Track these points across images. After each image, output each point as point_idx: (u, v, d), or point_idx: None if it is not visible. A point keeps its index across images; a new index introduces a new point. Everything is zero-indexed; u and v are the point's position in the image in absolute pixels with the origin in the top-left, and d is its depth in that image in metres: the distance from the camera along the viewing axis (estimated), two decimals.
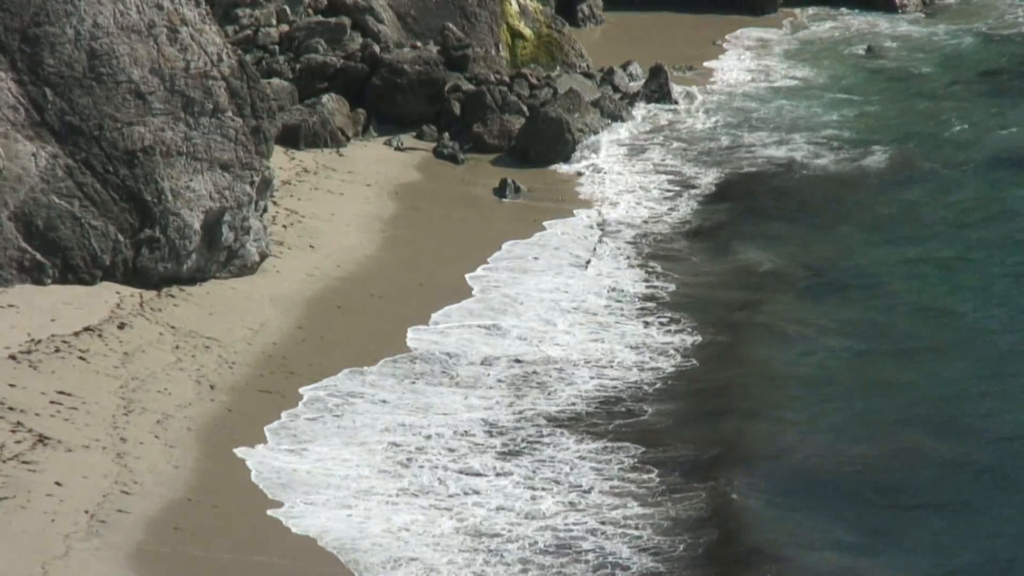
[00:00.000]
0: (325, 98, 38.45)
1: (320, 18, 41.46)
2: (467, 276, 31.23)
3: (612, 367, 27.45)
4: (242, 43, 39.43)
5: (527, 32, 44.83)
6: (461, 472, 23.60)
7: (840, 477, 23.92)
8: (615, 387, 26.68)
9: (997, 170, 38.88)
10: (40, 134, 28.06)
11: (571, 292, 30.78)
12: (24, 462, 21.90)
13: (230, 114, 29.63)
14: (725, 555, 21.70)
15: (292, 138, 37.15)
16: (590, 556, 21.53)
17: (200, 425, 24.19)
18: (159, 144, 28.80)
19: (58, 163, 28.08)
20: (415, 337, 28.21)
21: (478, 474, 23.59)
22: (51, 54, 28.31)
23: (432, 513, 22.42)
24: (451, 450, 24.32)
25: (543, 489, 23.21)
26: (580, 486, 23.37)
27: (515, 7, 44.81)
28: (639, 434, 24.96)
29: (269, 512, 22.16)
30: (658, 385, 26.77)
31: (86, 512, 21.08)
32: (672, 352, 28.14)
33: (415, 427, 24.88)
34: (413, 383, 26.44)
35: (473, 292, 30.49)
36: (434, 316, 29.06)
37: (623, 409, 25.87)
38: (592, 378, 27.01)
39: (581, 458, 24.24)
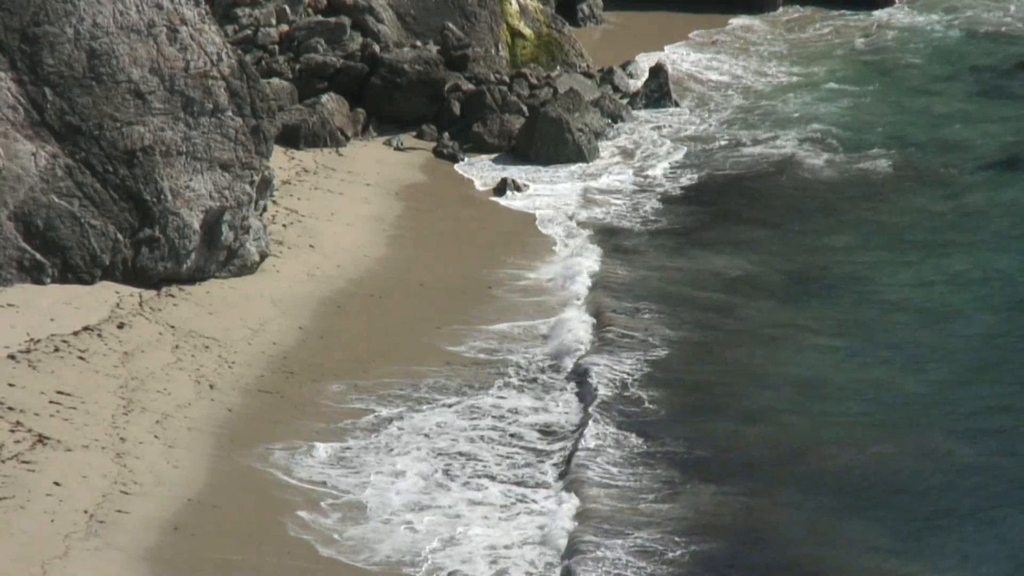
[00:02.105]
0: (325, 98, 38.45)
1: (320, 18, 41.45)
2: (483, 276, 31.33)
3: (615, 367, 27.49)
4: (242, 43, 39.41)
5: (527, 32, 44.82)
6: (518, 483, 23.50)
7: (858, 480, 23.78)
8: (627, 388, 26.69)
9: (992, 169, 38.91)
10: (40, 134, 28.03)
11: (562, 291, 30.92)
12: (24, 462, 21.86)
13: (230, 114, 29.60)
14: (753, 560, 21.66)
15: (292, 138, 37.16)
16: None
17: (200, 425, 24.15)
18: (159, 144, 28.77)
19: (58, 163, 28.05)
20: (461, 340, 28.22)
21: (542, 485, 23.47)
22: (51, 54, 28.28)
23: (494, 523, 22.37)
24: (506, 457, 24.24)
25: (607, 497, 23.13)
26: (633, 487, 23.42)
27: (515, 7, 44.80)
28: (649, 436, 24.89)
29: (290, 515, 22.13)
30: (660, 386, 26.73)
31: (86, 512, 21.04)
32: (676, 351, 28.17)
33: (464, 432, 24.87)
34: (469, 390, 26.37)
35: (492, 291, 30.54)
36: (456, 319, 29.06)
37: (636, 411, 25.89)
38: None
39: (628, 458, 24.26)
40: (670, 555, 21.46)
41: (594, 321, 29.26)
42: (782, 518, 22.66)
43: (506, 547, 21.65)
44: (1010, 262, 32.60)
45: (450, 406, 25.67)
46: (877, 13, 55.03)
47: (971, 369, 27.62)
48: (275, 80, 38.49)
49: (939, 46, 51.42)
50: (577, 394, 26.47)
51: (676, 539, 21.84)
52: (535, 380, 26.89)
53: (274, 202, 32.25)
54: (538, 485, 23.35)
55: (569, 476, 23.53)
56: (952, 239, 34.14)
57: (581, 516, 22.45)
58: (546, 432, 25.11)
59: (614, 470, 23.81)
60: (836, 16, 54.69)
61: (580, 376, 27.03)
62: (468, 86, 40.44)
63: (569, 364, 27.50)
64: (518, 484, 23.39)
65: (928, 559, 21.68)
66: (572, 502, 22.73)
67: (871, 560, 21.69)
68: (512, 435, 24.88)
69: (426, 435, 24.61)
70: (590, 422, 25.19)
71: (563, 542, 21.75)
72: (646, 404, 25.95)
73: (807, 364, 27.84)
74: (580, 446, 24.39)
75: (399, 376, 26.60)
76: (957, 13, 55.18)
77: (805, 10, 55.17)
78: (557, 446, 24.62)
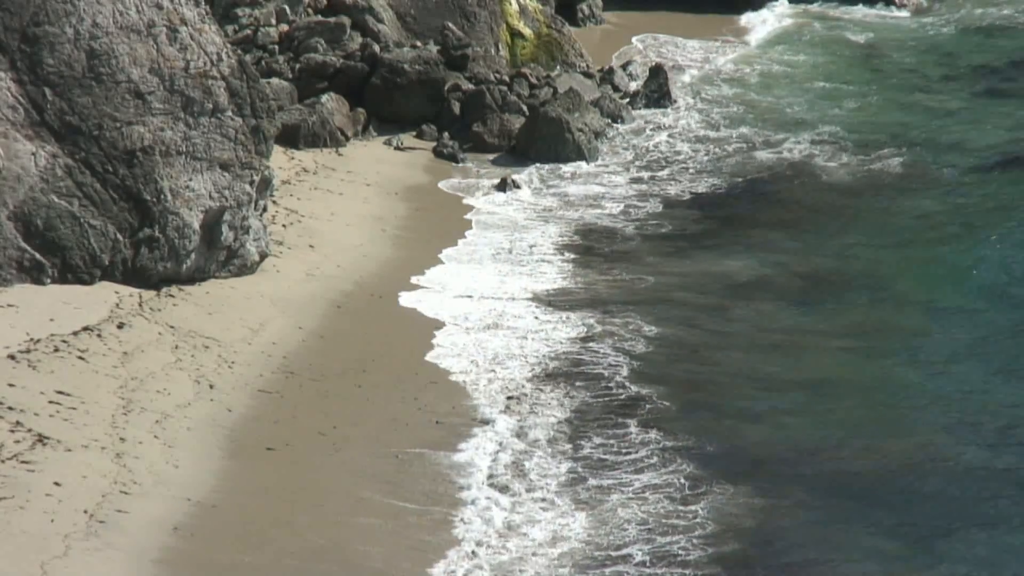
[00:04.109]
0: (324, 98, 38.46)
1: (320, 18, 41.47)
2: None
3: (608, 368, 27.45)
4: (242, 43, 39.44)
5: (527, 32, 44.83)
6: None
7: (867, 482, 23.68)
8: (622, 388, 26.64)
9: (999, 168, 38.91)
10: (39, 134, 28.03)
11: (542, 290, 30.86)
12: (23, 462, 21.85)
13: (230, 114, 29.60)
14: (757, 561, 21.60)
15: (292, 138, 37.17)
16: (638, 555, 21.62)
17: (200, 425, 24.14)
18: (158, 144, 28.77)
19: (57, 163, 28.05)
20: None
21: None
22: (51, 54, 28.28)
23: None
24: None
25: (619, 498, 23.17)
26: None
27: (515, 7, 44.81)
28: (654, 438, 24.87)
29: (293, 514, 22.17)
30: (658, 387, 26.69)
31: (85, 512, 21.03)
32: (674, 354, 28.13)
33: None
34: None
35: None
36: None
37: (634, 413, 25.84)
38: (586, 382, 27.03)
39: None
40: (689, 557, 21.47)
41: (597, 326, 29.18)
42: (794, 521, 22.57)
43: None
44: (1020, 261, 32.58)
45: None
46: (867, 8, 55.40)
47: (981, 370, 27.57)
48: (275, 80, 38.50)
49: (937, 44, 51.49)
50: (580, 393, 26.49)
51: (694, 541, 21.86)
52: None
53: (274, 202, 32.25)
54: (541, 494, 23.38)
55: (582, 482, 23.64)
56: (962, 239, 34.07)
57: (594, 516, 22.52)
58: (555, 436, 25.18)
59: (623, 470, 23.87)
60: (836, 15, 54.77)
61: (579, 375, 27.09)
62: (468, 86, 40.45)
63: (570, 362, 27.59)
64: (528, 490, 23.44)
65: (936, 563, 21.60)
66: (584, 510, 22.76)
67: (881, 564, 21.59)
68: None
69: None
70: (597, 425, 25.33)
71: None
72: (655, 404, 25.91)
73: (818, 365, 27.75)
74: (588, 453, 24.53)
75: (403, 378, 26.64)
76: (955, 11, 55.34)
77: (805, 8, 55.27)
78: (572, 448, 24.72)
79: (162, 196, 28.68)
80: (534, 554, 21.52)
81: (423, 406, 25.72)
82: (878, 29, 53.40)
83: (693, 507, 22.77)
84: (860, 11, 55.31)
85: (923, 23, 54.03)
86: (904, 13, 55.21)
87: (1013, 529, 22.44)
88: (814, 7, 55.65)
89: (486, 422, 25.20)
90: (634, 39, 49.69)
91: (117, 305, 27.39)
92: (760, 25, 53.09)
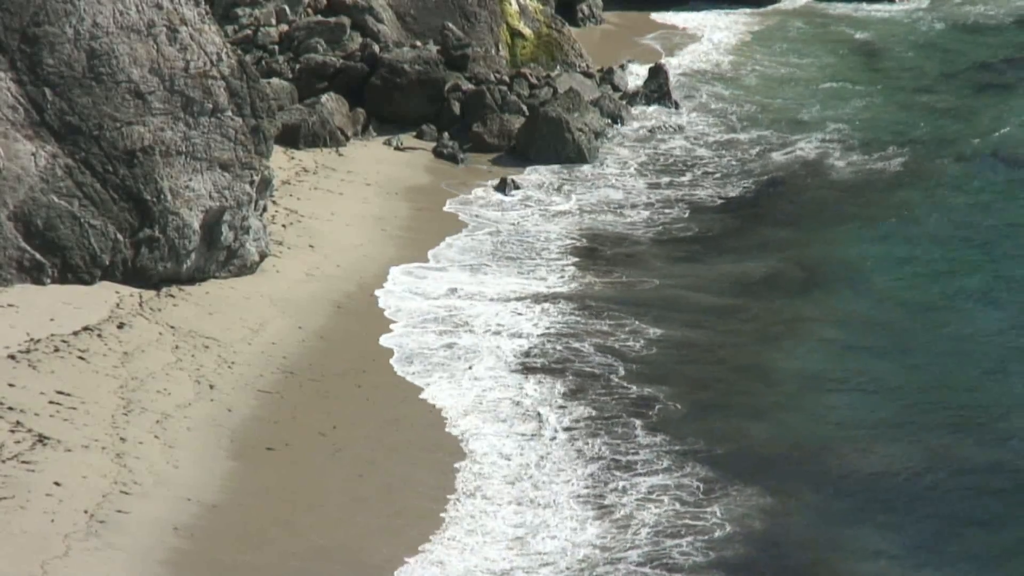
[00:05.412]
0: (324, 98, 38.47)
1: (320, 18, 41.49)
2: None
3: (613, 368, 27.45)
4: (242, 43, 39.46)
5: (527, 32, 44.85)
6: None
7: (872, 483, 23.62)
8: (627, 387, 26.62)
9: (1005, 164, 38.95)
10: (40, 134, 28.02)
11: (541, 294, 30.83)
12: (24, 462, 21.84)
13: (230, 114, 29.59)
14: (760, 562, 21.56)
15: (292, 138, 37.18)
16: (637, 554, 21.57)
17: (200, 425, 24.13)
18: (159, 144, 28.76)
19: (57, 163, 28.04)
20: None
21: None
22: (51, 54, 28.27)
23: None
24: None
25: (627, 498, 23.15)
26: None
27: (515, 7, 44.84)
28: (660, 438, 24.84)
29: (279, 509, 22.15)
30: (665, 385, 26.67)
31: (86, 512, 21.03)
32: (680, 353, 28.13)
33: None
34: None
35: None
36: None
37: (640, 411, 25.79)
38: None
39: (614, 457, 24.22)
40: (689, 562, 21.42)
41: (604, 325, 29.17)
42: (799, 522, 22.53)
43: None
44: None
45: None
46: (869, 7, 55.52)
47: (986, 370, 27.51)
48: (275, 80, 38.52)
49: (933, 41, 51.57)
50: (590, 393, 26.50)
51: (696, 543, 21.82)
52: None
53: (274, 202, 32.25)
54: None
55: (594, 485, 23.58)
56: (970, 239, 34.04)
57: (602, 517, 22.46)
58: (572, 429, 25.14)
59: (633, 471, 23.86)
60: (834, 12, 54.84)
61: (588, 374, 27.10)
62: (468, 86, 40.47)
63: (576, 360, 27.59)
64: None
65: (938, 563, 21.56)
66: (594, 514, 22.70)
67: (885, 566, 21.57)
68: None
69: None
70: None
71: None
72: (662, 405, 25.88)
73: (826, 365, 27.71)
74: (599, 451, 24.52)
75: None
76: (948, 7, 55.52)
77: (804, 5, 55.39)
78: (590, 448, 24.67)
79: (162, 196, 28.68)
80: (542, 564, 21.45)
81: (424, 406, 25.73)
82: (873, 25, 53.41)
83: (699, 506, 22.71)
84: (854, 6, 55.39)
85: (914, 19, 54.08)
86: (908, 15, 55.31)
87: (1014, 529, 22.39)
88: (814, 4, 55.74)
89: (491, 422, 25.21)
90: (647, 38, 49.70)
91: (117, 305, 27.38)
92: (759, 21, 53.11)
